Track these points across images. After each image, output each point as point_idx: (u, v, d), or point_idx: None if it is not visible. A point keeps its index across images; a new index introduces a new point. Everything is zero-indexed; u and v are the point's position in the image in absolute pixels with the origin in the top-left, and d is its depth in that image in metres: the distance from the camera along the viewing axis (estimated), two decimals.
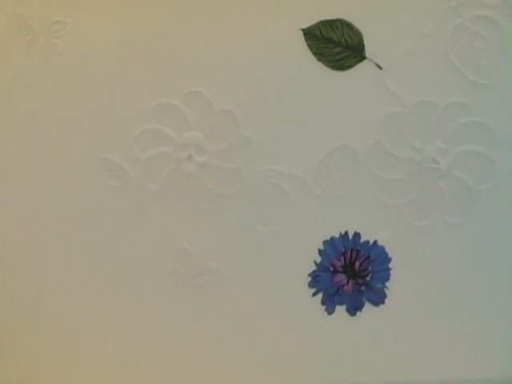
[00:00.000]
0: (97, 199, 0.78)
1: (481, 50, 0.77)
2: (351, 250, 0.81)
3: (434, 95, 0.78)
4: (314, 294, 0.81)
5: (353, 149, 0.79)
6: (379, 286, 0.82)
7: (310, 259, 0.81)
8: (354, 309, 0.82)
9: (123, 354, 0.82)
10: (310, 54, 0.77)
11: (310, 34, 0.76)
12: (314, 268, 0.81)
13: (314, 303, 0.81)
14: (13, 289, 0.80)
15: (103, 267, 0.80)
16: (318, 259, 0.81)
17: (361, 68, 0.77)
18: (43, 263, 0.80)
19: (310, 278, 0.81)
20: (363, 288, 0.81)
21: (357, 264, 0.81)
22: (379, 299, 0.82)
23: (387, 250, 0.81)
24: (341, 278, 0.81)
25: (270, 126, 0.77)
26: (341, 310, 0.82)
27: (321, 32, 0.76)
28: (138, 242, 0.79)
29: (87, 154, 0.78)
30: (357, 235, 0.80)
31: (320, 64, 0.77)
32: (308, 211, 0.79)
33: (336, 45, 0.77)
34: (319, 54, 0.77)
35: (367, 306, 0.82)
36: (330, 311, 0.82)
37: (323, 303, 0.82)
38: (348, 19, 0.76)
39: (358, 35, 0.76)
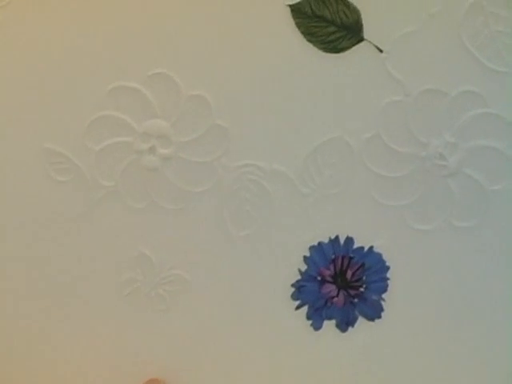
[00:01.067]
0: (40, 197, 0.74)
1: (498, 33, 0.72)
2: (342, 257, 0.76)
3: (442, 83, 0.73)
4: (298, 308, 0.77)
5: (346, 142, 0.73)
6: (375, 298, 0.77)
7: (293, 267, 0.76)
8: (345, 324, 0.77)
9: (71, 370, 0.78)
10: (299, 33, 0.71)
11: (298, 10, 0.71)
12: (299, 277, 0.76)
13: (298, 318, 0.77)
14: None
15: (48, 274, 0.75)
16: (304, 267, 0.76)
17: (358, 51, 0.72)
18: None
19: (293, 289, 0.76)
20: (356, 300, 0.77)
21: (349, 273, 0.76)
22: (375, 313, 0.77)
23: (385, 257, 0.76)
24: (330, 288, 0.76)
25: (249, 114, 0.72)
26: (330, 325, 0.78)
27: (311, 8, 0.71)
28: (88, 246, 0.75)
29: (29, 144, 0.72)
30: (349, 240, 0.76)
31: (310, 45, 0.72)
32: (292, 212, 0.74)
33: (329, 23, 0.72)
34: (309, 34, 0.72)
35: (361, 321, 0.78)
36: (317, 327, 0.77)
37: (309, 318, 0.77)
38: None
39: (356, 13, 0.71)
